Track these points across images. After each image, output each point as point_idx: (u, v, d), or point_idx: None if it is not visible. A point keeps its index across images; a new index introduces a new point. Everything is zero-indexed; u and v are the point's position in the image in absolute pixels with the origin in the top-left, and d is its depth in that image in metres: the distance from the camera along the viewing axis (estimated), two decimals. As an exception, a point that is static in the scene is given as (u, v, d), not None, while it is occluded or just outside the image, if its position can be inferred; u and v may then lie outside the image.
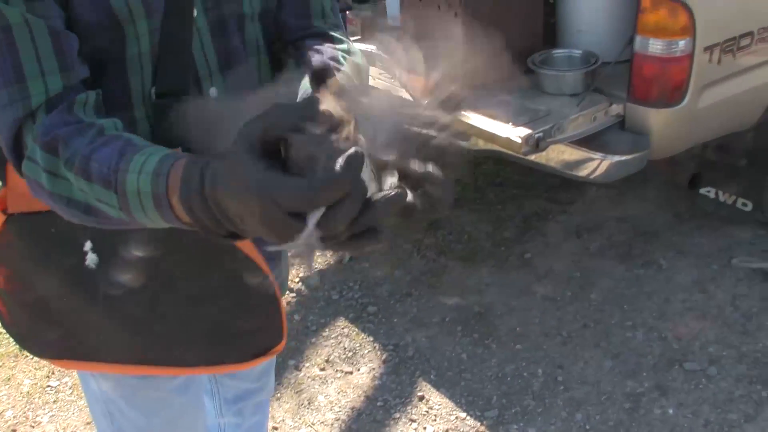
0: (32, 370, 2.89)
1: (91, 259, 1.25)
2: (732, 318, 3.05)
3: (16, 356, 2.95)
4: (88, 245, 1.24)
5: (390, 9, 3.60)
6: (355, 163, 0.76)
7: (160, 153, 0.96)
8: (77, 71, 1.07)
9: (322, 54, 1.24)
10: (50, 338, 1.40)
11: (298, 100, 1.08)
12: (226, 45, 1.24)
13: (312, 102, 0.81)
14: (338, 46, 1.28)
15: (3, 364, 2.95)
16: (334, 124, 0.80)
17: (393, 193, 0.81)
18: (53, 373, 2.87)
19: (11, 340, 2.97)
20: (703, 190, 3.43)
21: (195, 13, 1.18)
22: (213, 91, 1.24)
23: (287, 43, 1.32)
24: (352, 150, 0.77)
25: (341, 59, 1.24)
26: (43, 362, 2.90)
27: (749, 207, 3.33)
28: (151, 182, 0.93)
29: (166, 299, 1.32)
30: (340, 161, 0.75)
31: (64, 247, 1.27)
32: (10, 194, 1.29)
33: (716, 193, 3.40)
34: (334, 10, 1.38)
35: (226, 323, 1.36)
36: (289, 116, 0.80)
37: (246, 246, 1.27)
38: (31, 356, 2.92)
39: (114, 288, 1.28)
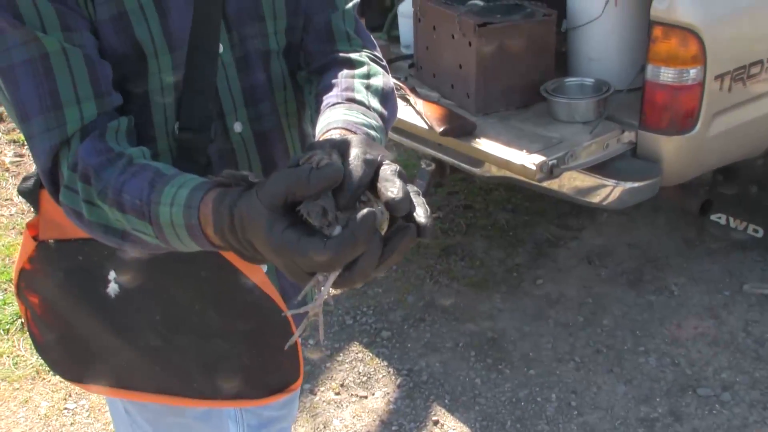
0: (49, 393, 2.90)
1: (112, 288, 1.27)
2: (744, 344, 3.06)
3: (34, 378, 2.96)
4: (112, 275, 1.27)
5: (404, 37, 3.65)
6: (369, 222, 0.81)
7: (189, 185, 0.99)
8: (111, 99, 1.10)
9: (337, 87, 1.21)
10: (78, 363, 1.43)
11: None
12: (251, 80, 1.26)
13: (335, 170, 0.85)
14: (357, 71, 1.26)
15: (21, 386, 2.96)
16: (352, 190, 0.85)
17: (403, 232, 0.86)
18: (70, 396, 2.88)
19: (29, 362, 3.01)
20: (714, 217, 3.45)
21: (221, 49, 1.20)
22: (237, 126, 1.25)
23: (311, 72, 1.31)
24: (365, 211, 0.82)
25: (357, 87, 1.22)
26: (61, 385, 2.92)
27: (760, 233, 3.36)
28: (184, 215, 0.97)
29: (184, 332, 1.33)
30: (355, 222, 0.81)
31: (90, 276, 1.29)
32: (42, 221, 1.31)
33: (727, 220, 3.42)
34: (359, 30, 1.35)
35: (243, 359, 1.36)
36: (312, 183, 0.83)
37: (264, 284, 1.28)
38: (49, 379, 2.95)
39: (133, 318, 1.32)
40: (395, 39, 3.75)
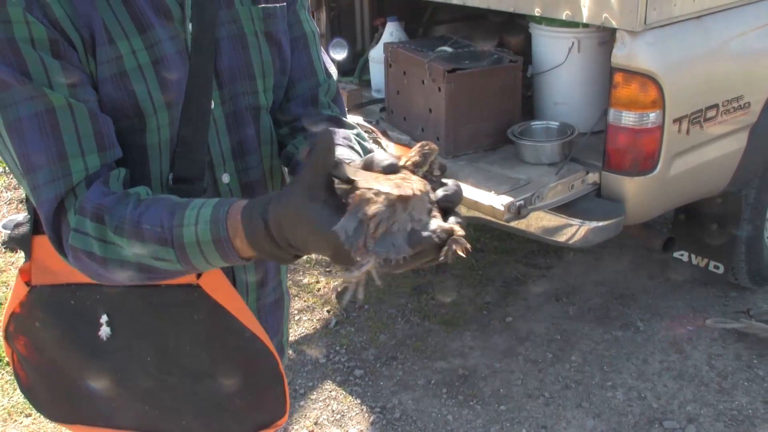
0: None
1: (104, 331, 1.28)
2: (708, 377, 3.12)
3: (5, 420, 2.94)
4: (104, 318, 1.28)
5: (375, 82, 3.70)
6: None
7: (210, 204, 1.07)
8: (113, 152, 1.15)
9: (336, 135, 1.30)
10: (65, 404, 1.43)
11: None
12: (240, 135, 1.31)
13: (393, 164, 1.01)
14: (350, 130, 1.36)
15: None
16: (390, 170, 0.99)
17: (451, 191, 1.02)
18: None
19: (0, 403, 2.99)
20: (676, 254, 3.50)
21: (212, 105, 1.26)
22: (225, 177, 1.31)
23: (295, 129, 1.39)
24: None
25: (353, 140, 1.31)
26: (33, 426, 2.90)
27: (721, 269, 3.40)
28: (211, 231, 1.05)
29: (176, 373, 1.33)
30: None
31: (82, 319, 1.30)
32: (34, 267, 1.33)
33: (689, 257, 3.47)
34: (337, 101, 1.45)
35: (232, 397, 1.36)
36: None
37: (253, 325, 1.31)
38: (21, 420, 2.93)
39: (124, 360, 1.32)
40: (366, 83, 3.80)
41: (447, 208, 1.02)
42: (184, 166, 1.25)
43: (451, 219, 1.00)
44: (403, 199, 0.95)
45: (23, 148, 1.10)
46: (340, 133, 1.32)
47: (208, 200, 1.09)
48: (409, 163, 1.04)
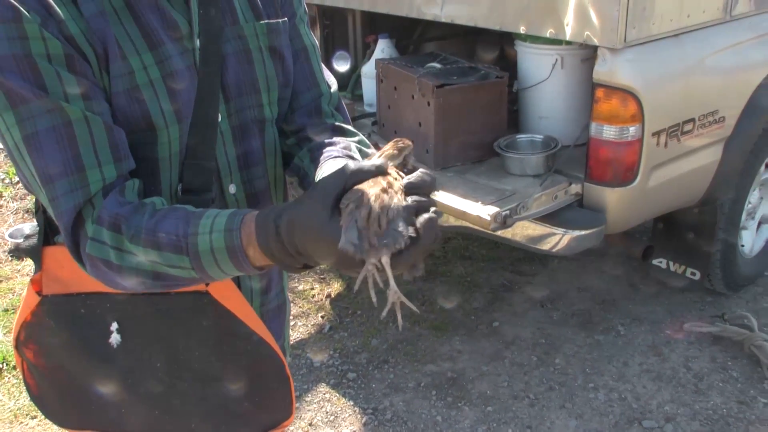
0: None
1: (114, 339, 1.27)
2: (685, 378, 3.13)
3: (11, 422, 2.93)
4: (114, 326, 1.27)
5: (367, 96, 3.72)
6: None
7: (225, 213, 1.08)
8: (128, 162, 1.15)
9: (337, 146, 1.31)
10: (75, 411, 1.41)
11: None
12: (245, 147, 1.31)
13: (380, 166, 1.02)
14: (351, 138, 1.36)
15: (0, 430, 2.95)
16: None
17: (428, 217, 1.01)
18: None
19: (7, 407, 2.98)
20: (655, 261, 3.51)
21: (219, 118, 1.26)
22: (232, 188, 1.31)
23: (301, 138, 1.39)
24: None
25: (354, 149, 1.31)
26: (38, 428, 2.89)
27: (697, 276, 3.42)
28: (225, 239, 1.05)
29: (185, 378, 1.33)
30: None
31: (92, 327, 1.29)
32: (44, 277, 1.31)
33: (667, 264, 3.49)
34: (340, 109, 1.45)
35: (240, 400, 1.36)
36: (365, 175, 1.00)
37: (260, 329, 1.31)
38: (26, 423, 2.93)
39: (134, 366, 1.31)
40: (359, 98, 3.82)
41: (417, 194, 1.02)
42: (192, 176, 1.25)
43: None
44: (384, 191, 0.98)
45: (41, 161, 1.10)
46: (340, 144, 1.32)
47: (223, 210, 1.10)
48: (382, 156, 1.06)
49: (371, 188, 0.99)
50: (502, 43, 3.70)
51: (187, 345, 1.30)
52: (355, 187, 1.00)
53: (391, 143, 1.09)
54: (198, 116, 1.23)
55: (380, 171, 1.02)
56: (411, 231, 0.97)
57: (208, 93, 1.24)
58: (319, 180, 1.02)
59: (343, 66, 3.56)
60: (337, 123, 1.41)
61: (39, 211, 1.34)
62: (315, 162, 1.30)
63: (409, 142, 1.10)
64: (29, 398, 1.44)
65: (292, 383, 1.36)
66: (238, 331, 1.29)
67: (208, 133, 1.25)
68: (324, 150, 1.30)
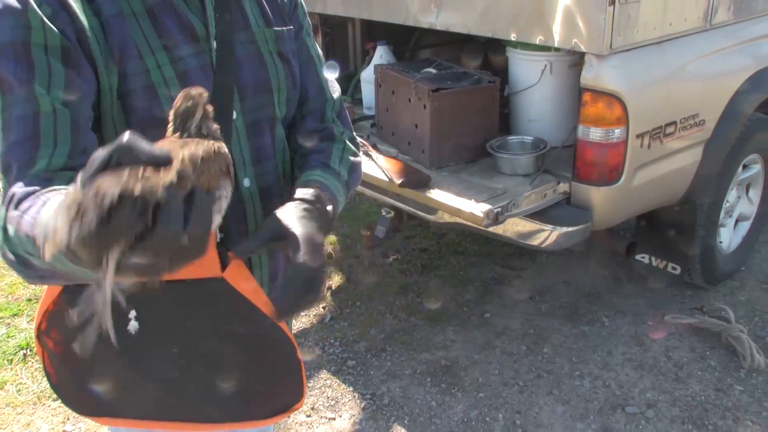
0: (49, 417, 2.91)
1: (132, 326, 1.25)
2: (666, 367, 3.16)
3: (35, 404, 2.97)
4: (132, 313, 1.25)
5: (366, 100, 3.73)
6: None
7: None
8: (80, 159, 1.10)
9: (321, 154, 1.42)
10: (91, 398, 1.38)
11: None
12: (258, 143, 1.35)
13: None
14: (336, 147, 1.44)
15: (23, 411, 2.97)
16: None
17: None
18: (69, 419, 2.89)
19: (30, 389, 3.02)
20: (638, 257, 3.52)
21: (234, 116, 1.30)
22: (246, 181, 1.34)
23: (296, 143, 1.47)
24: None
25: (334, 158, 1.42)
26: (59, 409, 2.92)
27: (677, 271, 3.44)
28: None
29: (200, 363, 1.32)
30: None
31: (111, 314, 1.25)
32: None
33: (650, 259, 3.50)
34: (341, 116, 1.52)
35: (254, 384, 1.35)
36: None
37: (260, 301, 1.30)
38: (48, 404, 2.96)
39: (151, 352, 1.30)
40: (358, 101, 3.83)
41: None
42: None
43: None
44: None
45: (4, 147, 1.11)
46: (317, 158, 1.41)
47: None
48: (175, 114, 1.00)
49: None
50: (487, 50, 3.71)
51: (202, 331, 1.30)
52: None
53: (181, 93, 1.01)
54: (215, 114, 1.25)
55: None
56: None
57: (224, 92, 1.27)
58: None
59: (332, 74, 3.58)
60: (326, 128, 1.47)
61: None
62: (300, 168, 1.39)
63: (203, 90, 1.03)
64: (50, 387, 1.43)
65: (303, 367, 1.36)
66: (252, 316, 1.29)
67: (225, 129, 1.26)
68: (310, 158, 1.39)
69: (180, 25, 1.24)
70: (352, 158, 1.46)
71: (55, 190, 1.04)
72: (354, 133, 1.54)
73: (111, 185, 0.76)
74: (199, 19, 1.26)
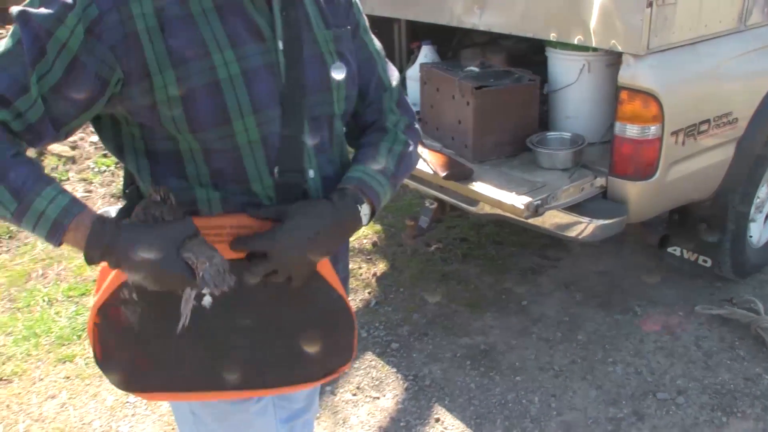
0: (114, 388, 2.94)
1: (207, 300, 1.24)
2: (696, 356, 3.15)
3: (101, 376, 3.01)
4: (206, 289, 1.22)
5: (411, 97, 3.73)
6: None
7: (68, 196, 1.16)
8: (28, 135, 1.18)
9: (370, 147, 1.47)
10: (145, 375, 1.35)
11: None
12: (319, 137, 1.39)
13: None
14: (386, 139, 1.48)
15: (91, 383, 3.05)
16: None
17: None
18: (132, 394, 2.95)
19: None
20: (670, 249, 3.52)
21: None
22: (311, 172, 1.37)
23: (359, 134, 1.52)
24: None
25: (381, 151, 1.46)
26: None
27: (708, 263, 3.43)
28: (59, 214, 1.14)
29: (271, 331, 1.33)
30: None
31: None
32: None
33: (681, 252, 3.49)
34: (400, 103, 1.55)
35: (316, 348, 1.36)
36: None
37: (337, 285, 1.35)
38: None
39: (223, 324, 1.30)
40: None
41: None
42: (287, 160, 1.32)
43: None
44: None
45: None
46: (365, 152, 1.47)
47: (67, 192, 1.17)
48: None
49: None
50: (526, 50, 3.70)
51: (277, 302, 1.33)
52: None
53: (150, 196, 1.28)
54: (287, 109, 1.29)
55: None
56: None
57: (294, 89, 1.30)
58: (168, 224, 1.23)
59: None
60: (382, 124, 1.51)
61: (125, 192, 1.40)
62: (353, 161, 1.45)
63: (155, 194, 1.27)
64: (96, 364, 1.34)
65: (356, 330, 1.40)
66: (323, 288, 1.33)
67: (298, 123, 1.31)
68: (359, 151, 1.47)
69: (247, 25, 1.26)
70: (401, 148, 1.48)
71: (33, 161, 1.17)
72: (415, 119, 1.56)
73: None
74: (266, 19, 1.29)
